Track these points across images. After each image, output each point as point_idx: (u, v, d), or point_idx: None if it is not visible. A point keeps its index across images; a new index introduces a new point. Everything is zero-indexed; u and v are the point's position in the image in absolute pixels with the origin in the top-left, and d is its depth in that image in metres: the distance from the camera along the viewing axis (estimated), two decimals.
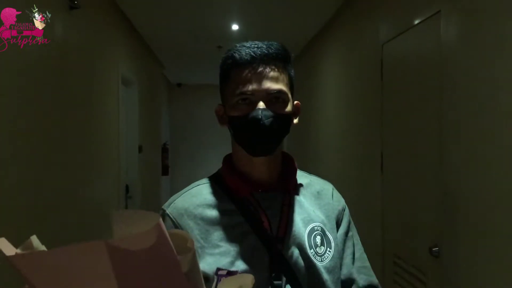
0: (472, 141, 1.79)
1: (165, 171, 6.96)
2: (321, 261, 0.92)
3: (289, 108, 0.92)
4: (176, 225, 0.91)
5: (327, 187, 1.05)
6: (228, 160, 1.01)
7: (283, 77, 0.92)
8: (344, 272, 0.98)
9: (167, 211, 0.93)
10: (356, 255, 1.02)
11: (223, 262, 0.86)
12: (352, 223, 1.04)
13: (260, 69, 0.89)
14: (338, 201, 1.03)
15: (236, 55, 0.91)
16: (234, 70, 0.91)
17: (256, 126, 0.87)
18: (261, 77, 0.89)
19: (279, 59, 0.92)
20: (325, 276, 0.91)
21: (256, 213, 0.91)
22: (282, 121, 0.90)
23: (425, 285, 2.16)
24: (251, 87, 0.89)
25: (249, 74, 0.89)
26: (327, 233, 0.95)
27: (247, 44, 0.92)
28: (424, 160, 2.20)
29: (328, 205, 1.00)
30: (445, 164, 1.97)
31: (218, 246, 0.88)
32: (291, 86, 0.94)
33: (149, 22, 4.44)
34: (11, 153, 1.89)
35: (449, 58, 1.95)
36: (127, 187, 4.27)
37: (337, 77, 4.07)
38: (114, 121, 3.67)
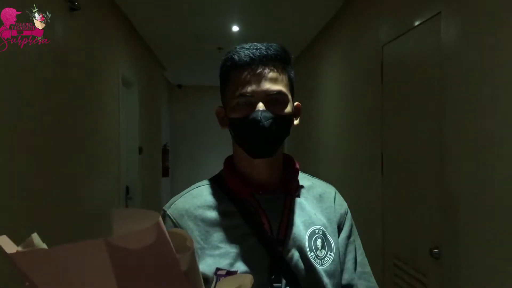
0: (472, 142, 1.78)
1: (165, 172, 6.96)
2: (322, 264, 0.91)
3: (289, 109, 0.92)
4: (177, 226, 0.91)
5: (329, 190, 1.04)
6: (229, 161, 1.00)
7: (283, 78, 0.92)
8: (345, 277, 0.97)
9: (168, 212, 0.93)
10: (358, 260, 1.01)
11: (223, 263, 0.86)
12: (354, 227, 1.03)
13: (259, 70, 0.89)
14: (340, 205, 1.02)
15: (235, 57, 0.91)
16: (233, 72, 0.91)
17: (255, 128, 0.87)
18: (260, 78, 0.89)
19: (278, 60, 0.92)
20: (325, 279, 0.90)
21: (257, 215, 0.91)
22: (281, 122, 0.90)
23: (425, 287, 2.16)
24: (250, 88, 0.88)
25: (248, 76, 0.89)
26: (328, 236, 0.95)
27: (246, 46, 0.92)
28: (425, 161, 2.20)
29: (330, 209, 1.00)
30: (446, 165, 1.97)
31: (218, 247, 0.88)
32: (291, 87, 0.94)
33: (149, 23, 4.45)
34: (11, 153, 1.89)
35: (449, 60, 1.95)
36: (127, 188, 4.27)
37: (337, 78, 4.07)
38: (114, 122, 3.67)
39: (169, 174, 7.35)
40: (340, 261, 0.96)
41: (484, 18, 1.73)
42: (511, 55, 1.55)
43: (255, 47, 0.91)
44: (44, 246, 0.52)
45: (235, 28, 4.64)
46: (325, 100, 4.50)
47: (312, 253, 0.91)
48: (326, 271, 0.91)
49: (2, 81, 1.81)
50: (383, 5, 2.82)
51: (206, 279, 0.85)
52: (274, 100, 0.89)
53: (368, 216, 2.97)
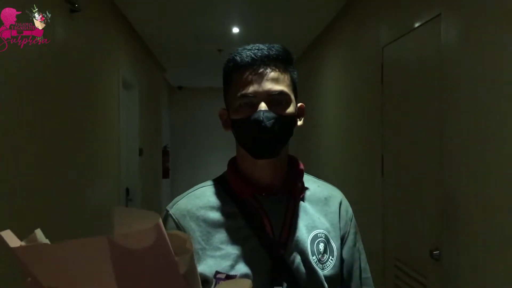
0: (472, 144, 1.78)
1: (165, 174, 6.96)
2: (323, 269, 0.91)
3: (291, 109, 0.91)
4: (178, 226, 0.90)
5: (335, 194, 1.02)
6: (232, 162, 1.00)
7: (285, 78, 0.91)
8: (353, 286, 0.98)
9: (170, 212, 0.93)
10: (361, 266, 1.01)
11: (224, 265, 0.86)
12: (358, 233, 1.03)
13: (261, 70, 0.89)
14: (346, 211, 1.01)
15: (237, 57, 0.91)
16: (235, 73, 0.91)
17: (257, 128, 0.86)
18: (262, 79, 0.88)
19: (280, 60, 0.91)
20: (326, 284, 0.90)
21: (259, 217, 0.91)
22: (284, 123, 0.89)
23: None
24: (252, 88, 0.88)
25: (250, 76, 0.89)
26: (331, 241, 0.94)
27: (249, 47, 0.92)
28: (425, 163, 2.20)
29: (334, 214, 0.98)
30: (446, 167, 1.96)
31: (219, 248, 0.88)
32: (293, 87, 0.94)
33: (150, 25, 4.45)
34: (11, 154, 1.89)
35: (449, 61, 1.95)
36: (127, 190, 4.27)
37: (337, 80, 4.07)
38: (114, 124, 3.67)
39: (169, 176, 7.35)
40: (345, 268, 0.96)
41: (484, 19, 1.73)
42: (510, 56, 1.55)
43: (257, 48, 0.91)
44: (47, 242, 0.52)
45: (235, 30, 4.65)
46: (325, 101, 4.50)
47: (314, 257, 0.90)
48: (327, 276, 0.90)
49: (2, 81, 1.81)
50: (383, 7, 2.82)
51: (206, 280, 0.85)
52: (276, 100, 0.89)
53: (369, 217, 2.97)
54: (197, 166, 8.52)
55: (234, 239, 0.89)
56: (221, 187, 0.96)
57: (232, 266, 0.86)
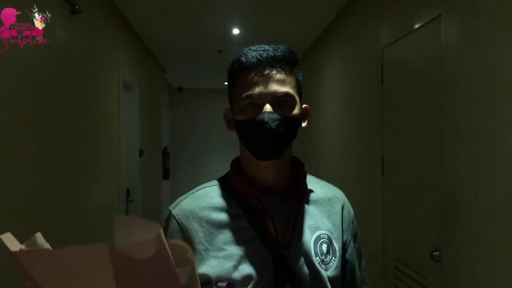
0: (472, 145, 1.78)
1: (166, 175, 6.96)
2: (326, 269, 0.91)
3: (296, 111, 0.91)
4: (181, 227, 0.90)
5: (338, 195, 1.03)
6: (236, 163, 1.00)
7: (290, 79, 0.91)
8: (353, 285, 0.99)
9: (173, 212, 0.93)
10: (361, 265, 1.03)
11: (227, 265, 0.86)
12: (358, 233, 1.04)
13: (267, 71, 0.89)
14: (348, 212, 1.02)
15: (243, 58, 0.90)
16: (240, 74, 0.91)
17: (262, 129, 0.86)
18: (268, 80, 0.88)
19: (286, 62, 0.91)
20: (329, 285, 0.90)
21: (262, 218, 0.91)
22: (288, 124, 0.89)
23: None
24: (257, 89, 0.88)
25: (256, 77, 0.88)
26: (334, 241, 0.94)
27: (254, 48, 0.92)
28: (425, 164, 2.20)
29: (337, 214, 0.99)
30: (446, 167, 1.96)
31: (222, 249, 0.87)
32: (298, 89, 0.94)
33: (150, 26, 4.46)
34: (10, 155, 1.89)
35: (449, 62, 1.95)
36: (127, 191, 4.27)
37: (337, 80, 4.08)
38: (114, 125, 3.67)
39: (170, 177, 7.35)
40: (348, 269, 0.97)
41: (484, 20, 1.73)
42: (510, 57, 1.55)
43: (262, 49, 0.91)
44: (48, 245, 0.52)
45: (236, 31, 4.65)
46: (325, 101, 4.50)
47: (317, 258, 0.90)
48: (330, 277, 0.91)
49: (2, 81, 1.81)
50: (384, 8, 2.82)
51: (209, 281, 0.85)
52: (281, 102, 0.89)
53: (369, 218, 2.97)
54: (197, 167, 8.53)
55: (237, 240, 0.88)
56: (224, 187, 0.96)
57: (235, 267, 0.86)
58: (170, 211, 0.93)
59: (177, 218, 0.91)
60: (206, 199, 0.94)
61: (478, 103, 1.75)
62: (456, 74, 1.91)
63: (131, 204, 4.35)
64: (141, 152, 4.61)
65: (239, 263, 0.86)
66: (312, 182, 1.02)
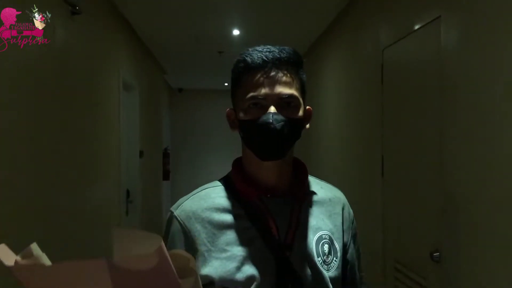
0: (472, 146, 1.78)
1: (166, 176, 6.95)
2: (328, 270, 0.91)
3: (300, 113, 0.91)
4: (184, 228, 0.90)
5: (338, 196, 1.03)
6: (237, 163, 1.00)
7: (295, 81, 0.91)
8: (351, 285, 1.00)
9: (175, 213, 0.92)
10: (360, 265, 1.04)
11: (230, 266, 0.86)
12: (357, 233, 1.04)
13: (273, 73, 0.89)
14: (348, 213, 1.02)
15: (248, 59, 0.90)
16: (245, 74, 0.91)
17: (266, 130, 0.86)
18: (274, 82, 0.88)
19: (291, 64, 0.91)
20: (331, 285, 0.90)
21: (264, 218, 0.91)
22: (293, 126, 0.89)
23: None
24: (263, 91, 0.88)
25: (261, 78, 0.88)
26: (335, 242, 0.95)
27: (259, 48, 0.92)
28: (425, 164, 2.20)
29: (337, 215, 0.99)
30: (446, 168, 1.96)
31: (225, 250, 0.87)
32: (302, 91, 0.94)
33: (150, 27, 4.46)
34: (11, 155, 1.89)
35: (449, 63, 1.95)
36: (127, 192, 4.27)
37: (337, 81, 4.08)
38: (115, 126, 3.67)
39: (170, 178, 7.35)
40: (348, 269, 0.98)
41: (484, 21, 1.73)
42: (510, 57, 1.55)
43: (268, 50, 0.91)
44: (44, 256, 0.51)
45: (236, 32, 4.65)
46: (326, 102, 4.50)
47: (319, 259, 0.91)
48: (331, 277, 0.91)
49: (2, 81, 1.81)
50: (384, 9, 2.83)
51: (212, 282, 0.85)
52: (286, 103, 0.89)
53: (369, 218, 2.96)
54: (198, 168, 8.52)
55: (240, 241, 0.88)
56: (226, 188, 0.96)
57: (238, 268, 0.86)
58: (172, 212, 0.93)
59: (179, 219, 0.91)
60: (208, 200, 0.94)
61: (477, 103, 1.75)
62: (455, 74, 1.91)
63: (131, 204, 4.35)
64: (141, 153, 4.61)
65: (242, 264, 0.86)
66: (312, 182, 1.02)
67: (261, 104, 0.88)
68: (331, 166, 4.23)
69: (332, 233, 0.95)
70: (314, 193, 0.99)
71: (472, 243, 1.78)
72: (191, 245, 0.88)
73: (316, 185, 1.02)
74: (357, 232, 1.04)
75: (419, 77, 2.29)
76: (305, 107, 0.94)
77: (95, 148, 3.14)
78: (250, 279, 0.85)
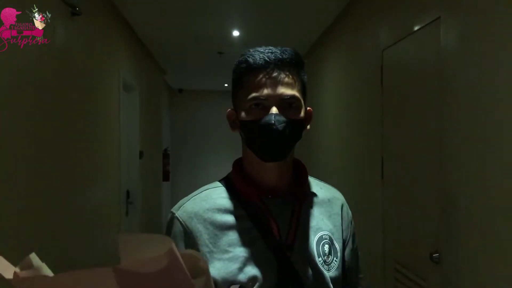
0: (472, 147, 1.78)
1: (166, 176, 6.95)
2: (328, 270, 0.92)
3: (301, 114, 0.92)
4: (185, 229, 0.90)
5: (337, 196, 1.04)
6: (238, 164, 1.00)
7: (297, 83, 0.92)
8: (349, 285, 1.00)
9: (176, 214, 0.92)
10: (357, 266, 1.04)
11: (232, 267, 0.86)
12: (356, 234, 1.05)
13: (275, 74, 0.89)
14: (347, 213, 1.03)
15: (250, 59, 0.90)
16: (247, 75, 0.91)
17: (268, 131, 0.86)
18: (276, 82, 0.88)
19: (293, 65, 0.92)
20: (332, 286, 0.91)
21: (265, 219, 0.91)
22: (294, 127, 0.89)
23: None
24: (265, 91, 0.88)
25: (263, 79, 0.89)
26: (335, 242, 0.95)
27: (261, 49, 0.92)
28: (425, 166, 2.20)
29: (337, 215, 1.00)
30: (446, 169, 1.96)
31: (226, 251, 0.88)
32: (304, 92, 0.94)
33: (150, 28, 4.46)
34: (10, 155, 1.89)
35: (449, 64, 1.95)
36: (127, 193, 4.27)
37: (337, 82, 4.08)
38: (115, 126, 3.67)
39: (170, 178, 7.34)
40: (345, 270, 0.98)
41: (483, 22, 1.73)
42: (509, 58, 1.55)
43: (270, 51, 0.91)
44: (44, 266, 0.49)
45: (236, 33, 4.65)
46: (325, 103, 4.50)
47: (320, 259, 0.91)
48: (332, 277, 0.91)
49: (2, 81, 1.81)
50: (383, 10, 2.83)
51: (216, 283, 0.85)
52: (287, 104, 0.89)
53: (369, 220, 2.96)
54: (198, 169, 8.52)
55: (241, 242, 0.89)
56: (227, 189, 0.96)
57: (241, 269, 0.86)
58: (173, 213, 0.93)
59: (180, 220, 0.91)
60: (210, 201, 0.94)
61: (477, 103, 1.75)
62: (455, 75, 1.91)
63: (131, 205, 4.35)
64: (141, 154, 4.61)
65: (244, 265, 0.86)
66: (312, 183, 1.03)
67: (263, 105, 0.89)
68: (331, 166, 4.23)
69: (332, 234, 0.96)
70: (314, 193, 1.00)
71: (471, 244, 1.78)
72: (192, 246, 0.88)
73: (316, 185, 1.03)
74: (356, 232, 1.04)
75: (419, 78, 2.29)
76: (306, 108, 0.95)
77: (95, 148, 3.14)
78: (252, 279, 0.85)
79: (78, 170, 2.75)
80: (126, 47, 4.22)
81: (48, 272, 0.49)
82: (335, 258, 0.93)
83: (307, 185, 1.00)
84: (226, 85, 7.15)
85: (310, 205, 0.97)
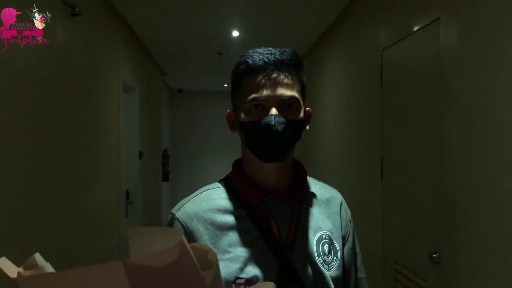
0: (472, 148, 1.79)
1: (165, 177, 6.96)
2: (329, 269, 0.92)
3: (301, 114, 0.92)
4: (186, 229, 0.90)
5: (336, 196, 1.04)
6: (237, 165, 1.00)
7: (296, 83, 0.92)
8: (350, 285, 1.00)
9: (177, 215, 0.92)
10: (357, 266, 1.04)
11: (233, 267, 0.86)
12: (356, 233, 1.05)
13: (274, 75, 0.89)
14: (345, 212, 1.03)
15: (249, 60, 0.91)
16: (247, 76, 0.91)
17: (268, 132, 0.87)
18: (275, 83, 0.89)
19: (292, 66, 0.92)
20: (332, 285, 0.91)
21: (266, 219, 0.91)
22: (294, 128, 0.90)
23: None
24: (265, 92, 0.88)
25: (263, 80, 0.89)
26: (334, 241, 0.96)
27: (260, 50, 0.92)
28: (424, 166, 2.20)
29: (336, 215, 1.00)
30: (446, 169, 1.96)
31: (227, 251, 0.88)
32: (303, 92, 0.94)
33: (150, 28, 4.46)
34: (10, 156, 1.89)
35: (449, 64, 1.96)
36: (127, 193, 4.27)
37: (337, 82, 4.08)
38: (114, 127, 3.67)
39: (170, 179, 7.35)
40: (345, 268, 0.98)
41: (483, 23, 1.73)
42: (510, 59, 1.55)
43: (269, 52, 0.91)
44: (48, 265, 0.49)
45: (235, 33, 4.65)
46: (325, 104, 4.50)
47: (320, 258, 0.91)
48: (332, 277, 0.92)
49: (2, 81, 1.81)
50: (383, 10, 2.83)
51: None
52: (287, 105, 0.89)
53: (368, 220, 2.97)
54: (197, 169, 8.52)
55: (242, 242, 0.89)
56: (227, 189, 0.97)
57: (242, 269, 0.86)
58: (174, 214, 0.93)
59: (181, 220, 0.91)
60: (210, 201, 0.94)
61: (477, 104, 1.75)
62: (455, 75, 1.91)
63: (130, 205, 4.35)
64: (141, 154, 4.61)
65: (244, 265, 0.87)
66: (311, 183, 1.03)
67: (263, 106, 0.89)
68: (331, 167, 4.23)
69: (332, 233, 0.96)
70: (313, 193, 1.00)
71: (471, 244, 1.79)
72: None
73: (315, 185, 1.03)
74: (355, 231, 1.05)
75: (419, 78, 2.30)
76: (305, 109, 0.95)
77: (94, 149, 3.14)
78: (253, 279, 0.86)
79: (78, 170, 2.75)
80: (126, 47, 4.22)
81: (53, 271, 0.49)
82: (335, 258, 0.94)
83: (306, 185, 1.00)
84: (225, 85, 7.15)
85: (309, 205, 0.98)
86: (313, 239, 0.93)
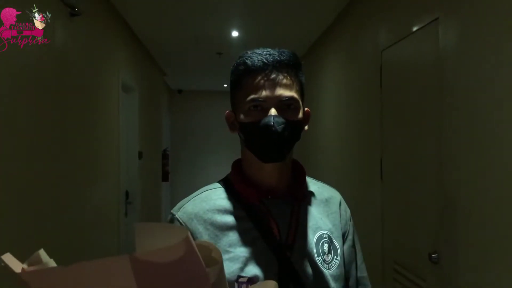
0: (471, 148, 1.79)
1: (165, 177, 6.95)
2: (328, 269, 0.92)
3: (300, 115, 0.92)
4: None
5: (335, 195, 1.05)
6: (237, 165, 1.00)
7: (295, 84, 0.92)
8: (349, 284, 1.00)
9: (177, 215, 0.93)
10: (358, 265, 1.03)
11: (233, 267, 0.86)
12: (355, 232, 1.05)
13: (273, 76, 0.89)
14: (345, 211, 1.03)
15: (248, 61, 0.91)
16: (246, 77, 0.91)
17: (268, 132, 0.87)
18: (274, 84, 0.89)
19: (291, 66, 0.92)
20: (332, 284, 0.91)
21: (266, 220, 0.91)
22: (293, 128, 0.90)
23: None
24: (264, 93, 0.88)
25: (262, 81, 0.89)
26: (334, 241, 0.96)
27: (259, 51, 0.93)
28: (424, 166, 2.20)
29: (335, 214, 1.00)
30: (445, 170, 1.97)
31: (227, 251, 0.88)
32: (302, 93, 0.95)
33: (150, 28, 4.47)
34: (11, 155, 1.89)
35: (448, 64, 1.96)
36: (127, 193, 4.27)
37: (337, 83, 4.08)
38: (114, 127, 3.67)
39: (169, 179, 7.34)
40: (345, 267, 0.98)
41: (482, 23, 1.74)
42: (509, 59, 1.55)
43: (268, 53, 0.91)
44: (52, 262, 0.49)
45: (235, 33, 4.66)
46: (324, 104, 4.51)
47: (320, 258, 0.91)
48: (332, 276, 0.92)
49: (2, 81, 1.81)
50: (383, 10, 2.83)
51: None
52: (286, 106, 0.90)
53: (368, 220, 2.97)
54: (197, 169, 8.52)
55: (242, 242, 0.89)
56: (226, 190, 0.97)
57: (242, 269, 0.86)
58: (174, 214, 0.93)
59: (181, 221, 0.91)
60: (210, 201, 0.94)
61: (476, 104, 1.75)
62: (454, 76, 1.91)
63: (130, 205, 4.35)
64: (140, 154, 4.61)
65: (245, 265, 0.87)
66: (310, 183, 1.03)
67: (262, 107, 0.89)
68: (330, 167, 4.24)
69: (332, 232, 0.96)
70: (312, 193, 1.01)
71: (470, 244, 1.79)
72: None
73: (314, 185, 1.04)
74: (355, 230, 1.05)
75: (418, 78, 2.30)
76: (304, 109, 0.95)
77: (94, 149, 3.14)
78: (253, 279, 0.86)
79: (78, 170, 2.76)
80: (126, 47, 4.22)
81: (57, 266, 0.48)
82: (335, 257, 0.94)
83: (305, 185, 1.01)
84: (225, 85, 7.15)
85: (308, 204, 0.98)
86: (313, 238, 0.93)
